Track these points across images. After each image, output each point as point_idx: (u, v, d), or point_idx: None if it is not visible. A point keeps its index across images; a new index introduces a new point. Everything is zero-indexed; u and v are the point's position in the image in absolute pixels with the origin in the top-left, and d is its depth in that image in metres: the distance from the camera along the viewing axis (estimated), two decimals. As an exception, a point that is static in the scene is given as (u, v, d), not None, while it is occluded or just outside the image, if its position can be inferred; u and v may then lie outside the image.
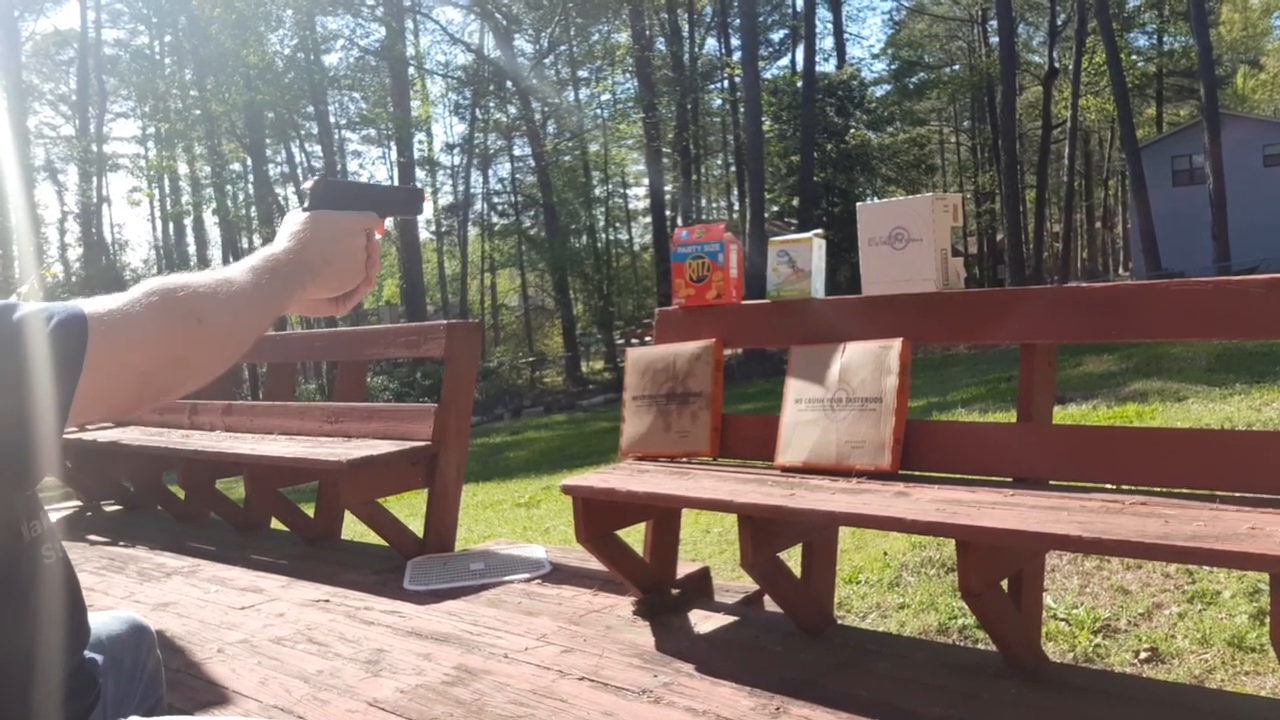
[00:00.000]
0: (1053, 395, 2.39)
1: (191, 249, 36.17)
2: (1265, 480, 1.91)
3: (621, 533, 2.63)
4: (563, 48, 36.53)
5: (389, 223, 1.18)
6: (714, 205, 44.56)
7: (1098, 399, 7.66)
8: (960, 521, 1.88)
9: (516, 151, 39.00)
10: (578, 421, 19.11)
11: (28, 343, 0.82)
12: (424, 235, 36.42)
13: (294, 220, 1.09)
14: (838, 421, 2.43)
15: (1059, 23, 36.53)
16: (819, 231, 2.76)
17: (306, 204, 1.11)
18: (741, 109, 30.32)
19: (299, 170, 35.58)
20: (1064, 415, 6.71)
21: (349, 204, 1.12)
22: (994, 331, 2.42)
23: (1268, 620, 2.22)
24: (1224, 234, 24.73)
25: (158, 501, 4.68)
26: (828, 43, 42.94)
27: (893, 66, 43.15)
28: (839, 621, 2.76)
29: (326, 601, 3.10)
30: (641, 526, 2.77)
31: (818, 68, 33.18)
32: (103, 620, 1.22)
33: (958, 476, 2.29)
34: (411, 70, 30.77)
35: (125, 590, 3.42)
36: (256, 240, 32.93)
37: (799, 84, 31.95)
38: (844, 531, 3.26)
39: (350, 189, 1.13)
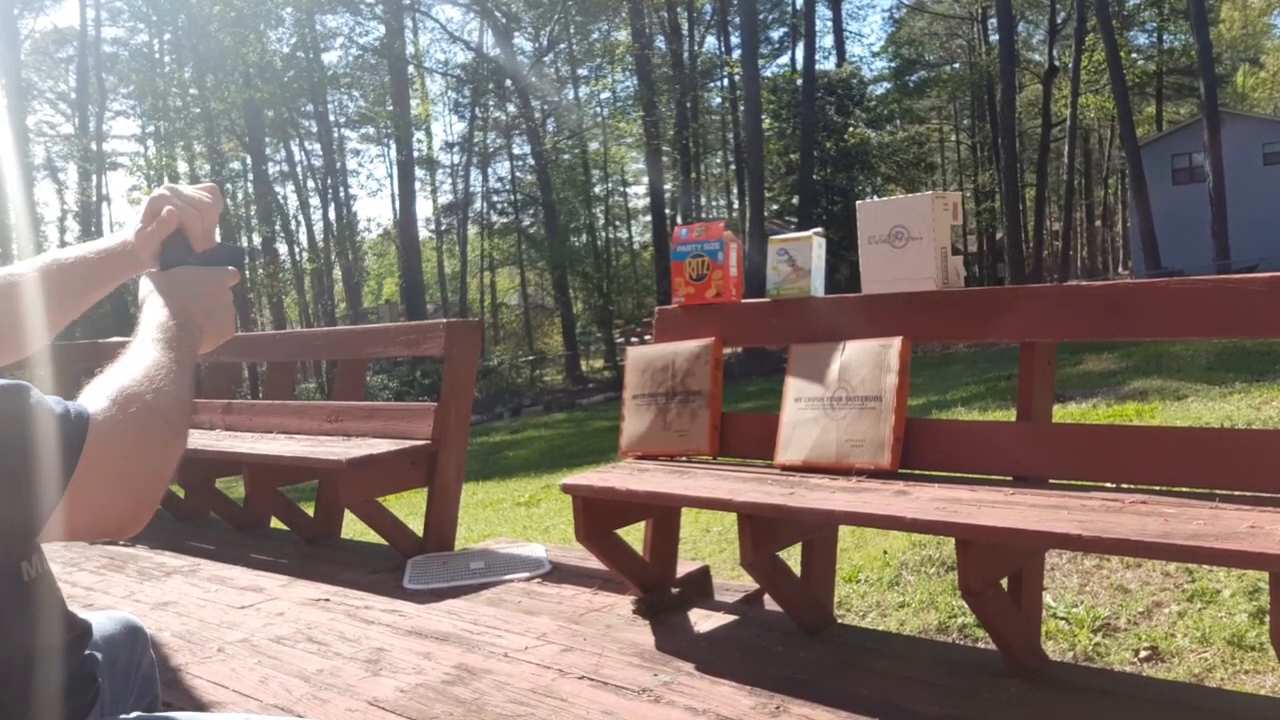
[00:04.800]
0: (1052, 394, 2.39)
1: (191, 247, 36.09)
2: (1265, 479, 1.90)
3: (621, 531, 2.63)
4: (562, 46, 36.52)
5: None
6: (714, 203, 44.55)
7: (1097, 397, 7.66)
8: (960, 520, 1.87)
9: (516, 150, 39.05)
10: (577, 420, 19.10)
11: (39, 425, 0.81)
12: (423, 234, 36.50)
13: (155, 282, 1.06)
14: (837, 420, 2.43)
15: (1059, 21, 36.54)
16: (819, 230, 2.75)
17: (160, 263, 1.09)
18: (741, 107, 30.30)
19: (299, 169, 35.61)
20: (1064, 414, 6.71)
21: (193, 258, 1.10)
22: (994, 330, 2.42)
23: (1267, 619, 2.23)
24: (1224, 232, 24.70)
25: (157, 500, 4.67)
26: (828, 41, 43.03)
27: (893, 64, 43.14)
28: (839, 620, 2.76)
29: (326, 601, 3.10)
30: (641, 525, 2.77)
31: (817, 66, 33.17)
32: (97, 621, 1.22)
33: (957, 475, 2.29)
34: (411, 68, 30.80)
35: (125, 589, 3.41)
36: (256, 238, 32.92)
37: (799, 82, 31.90)
38: (844, 530, 3.26)
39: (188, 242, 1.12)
